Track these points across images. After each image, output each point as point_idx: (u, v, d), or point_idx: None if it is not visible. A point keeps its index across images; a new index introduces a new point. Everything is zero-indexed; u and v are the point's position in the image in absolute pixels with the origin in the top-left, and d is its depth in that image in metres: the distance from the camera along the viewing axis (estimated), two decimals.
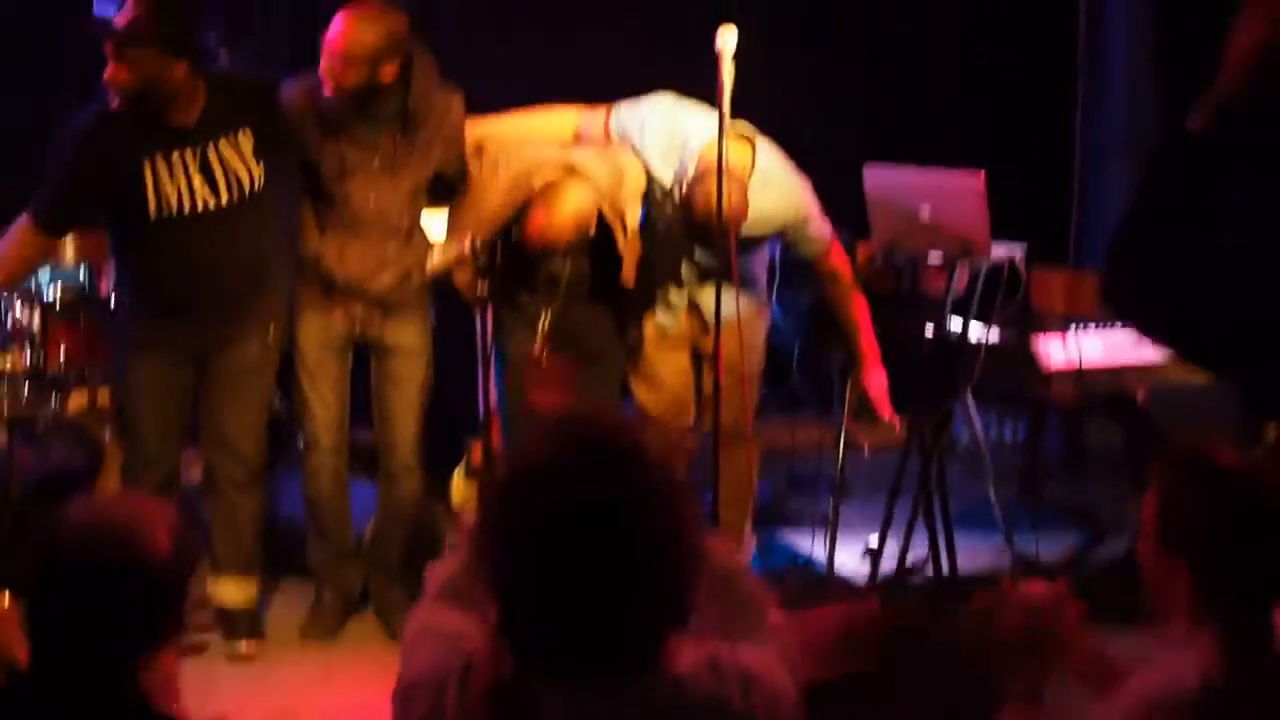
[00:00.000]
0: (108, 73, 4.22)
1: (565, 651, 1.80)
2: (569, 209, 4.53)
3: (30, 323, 5.32)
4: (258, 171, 4.48)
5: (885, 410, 4.92)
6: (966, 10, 7.32)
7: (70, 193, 4.42)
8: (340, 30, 4.33)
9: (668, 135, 4.66)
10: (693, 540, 1.84)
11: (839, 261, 4.86)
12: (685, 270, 4.85)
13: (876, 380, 4.93)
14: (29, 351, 5.32)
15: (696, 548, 1.85)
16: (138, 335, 4.64)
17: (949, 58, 7.33)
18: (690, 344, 4.98)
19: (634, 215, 4.70)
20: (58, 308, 5.33)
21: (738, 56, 4.14)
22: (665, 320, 4.93)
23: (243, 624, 4.78)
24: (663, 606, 1.82)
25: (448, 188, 4.80)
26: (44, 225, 4.46)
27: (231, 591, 4.78)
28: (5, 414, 5.14)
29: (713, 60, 4.13)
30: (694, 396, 5.00)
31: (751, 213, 4.53)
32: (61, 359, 5.31)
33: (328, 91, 4.40)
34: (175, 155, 4.36)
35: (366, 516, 5.05)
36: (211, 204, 4.42)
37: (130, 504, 2.35)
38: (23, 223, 4.44)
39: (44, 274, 5.89)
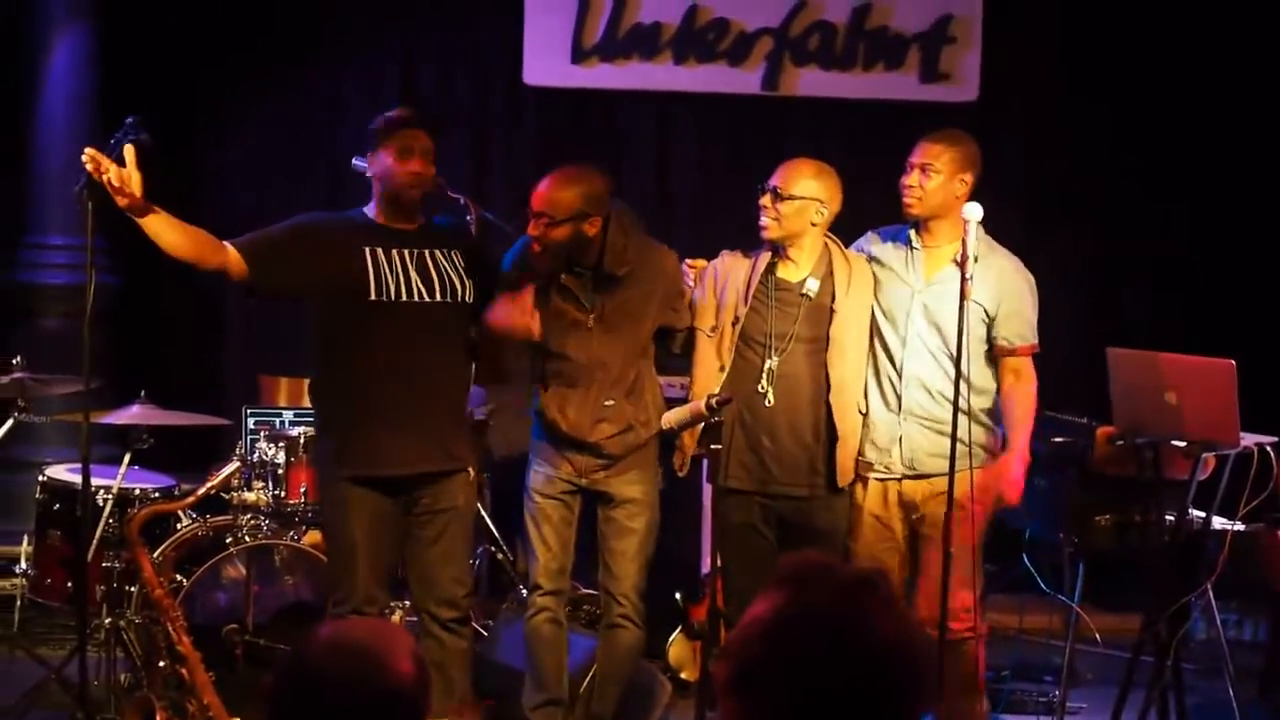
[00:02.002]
0: (415, 164, 4.59)
1: None
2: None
3: (274, 459, 5.54)
4: (469, 284, 4.71)
5: (977, 492, 4.52)
6: (1222, 194, 7.23)
7: (277, 237, 4.67)
8: (542, 193, 4.65)
9: None
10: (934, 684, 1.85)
11: (1028, 366, 4.76)
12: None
13: (1004, 468, 4.68)
14: (271, 486, 5.53)
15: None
16: (345, 462, 4.67)
17: (1201, 244, 7.24)
18: (904, 508, 4.82)
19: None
20: (301, 446, 5.53)
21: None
22: (874, 458, 4.84)
23: None
24: None
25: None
26: (238, 241, 4.61)
27: None
28: (247, 545, 5.31)
29: None
30: (902, 576, 4.81)
31: (980, 268, 4.55)
32: (301, 495, 5.51)
33: (536, 249, 4.65)
34: (395, 251, 4.64)
35: (582, 668, 5.05)
36: (425, 296, 4.63)
37: (375, 627, 2.36)
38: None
39: (288, 414, 6.16)
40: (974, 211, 4.43)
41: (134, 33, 7.10)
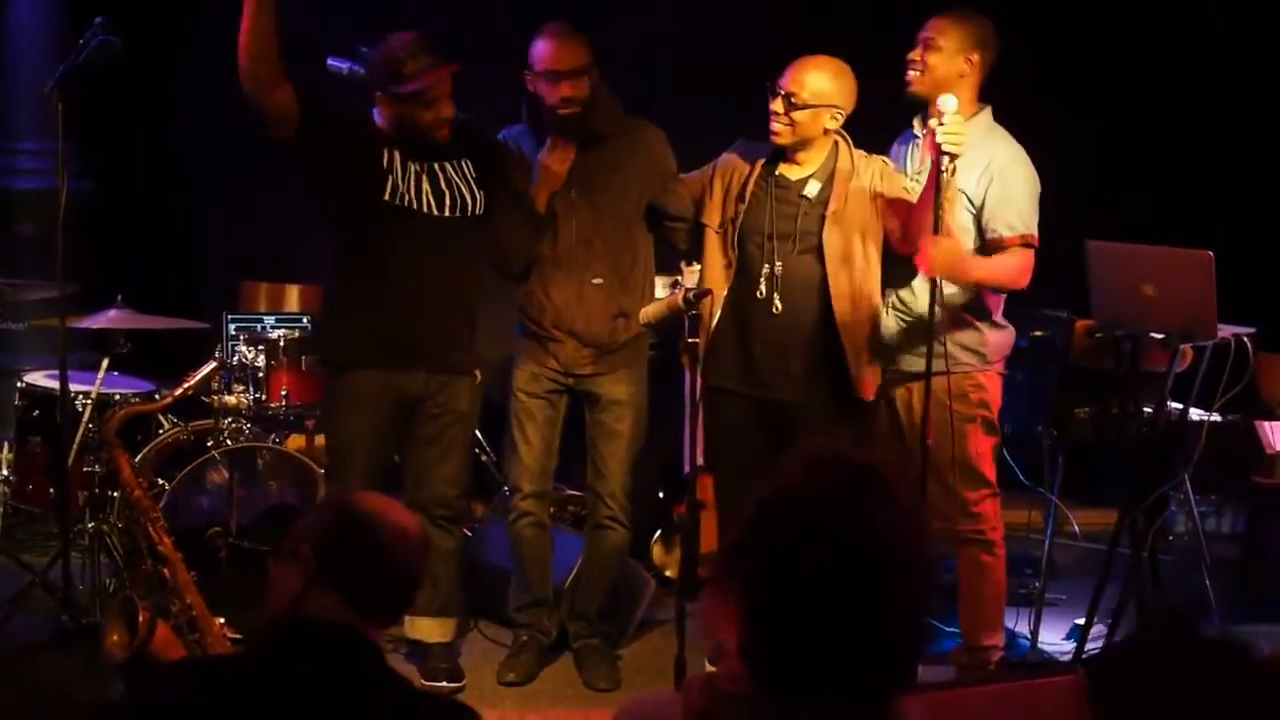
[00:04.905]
0: (443, 110, 4.46)
1: (806, 680, 1.78)
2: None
3: (255, 362, 5.53)
4: (480, 196, 4.62)
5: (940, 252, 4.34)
6: (1203, 90, 7.18)
7: (326, 103, 4.50)
8: (558, 50, 4.58)
9: None
10: (933, 585, 1.83)
11: (1021, 252, 4.49)
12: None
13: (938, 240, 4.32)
14: (252, 390, 5.52)
15: (932, 595, 1.83)
16: (353, 371, 4.63)
17: (1184, 137, 7.18)
18: (888, 403, 4.74)
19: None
20: (281, 349, 5.52)
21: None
22: None
23: (441, 659, 4.84)
24: (903, 646, 1.80)
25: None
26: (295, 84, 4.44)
27: (428, 629, 4.85)
28: (229, 448, 5.32)
29: None
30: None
31: (971, 148, 4.36)
32: (283, 398, 5.50)
33: (564, 111, 4.60)
34: (410, 162, 4.53)
35: (569, 567, 5.09)
36: (435, 212, 4.55)
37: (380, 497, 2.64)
38: None
39: (269, 320, 6.15)
40: (949, 103, 4.24)
41: None
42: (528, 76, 4.68)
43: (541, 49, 4.61)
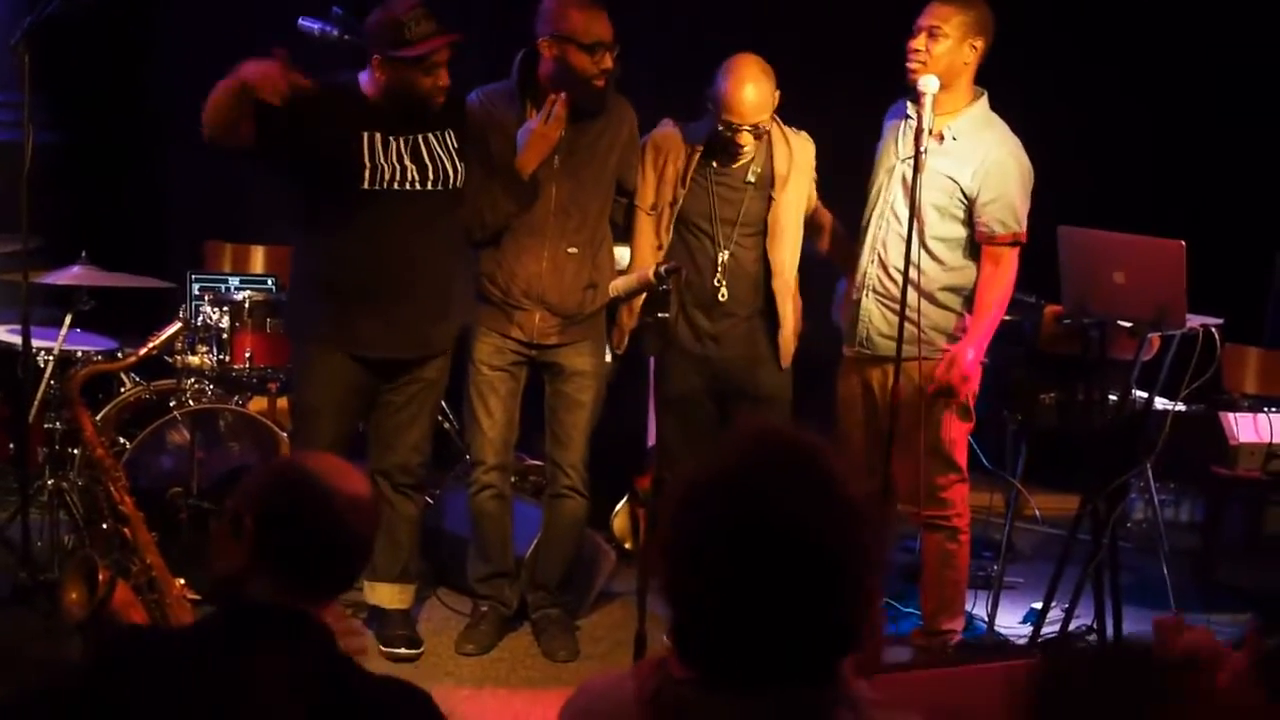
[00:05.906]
0: (442, 79, 4.42)
1: (739, 664, 1.78)
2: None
3: (219, 323, 5.48)
4: (461, 168, 4.57)
5: (941, 377, 4.53)
6: (1177, 80, 7.18)
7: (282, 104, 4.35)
8: (600, 20, 4.56)
9: None
10: (878, 565, 1.81)
11: (1008, 255, 4.57)
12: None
13: (949, 357, 4.54)
14: (216, 351, 5.48)
15: (879, 573, 1.82)
16: (320, 337, 4.61)
17: (1158, 128, 7.19)
18: (864, 387, 4.79)
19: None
20: (246, 311, 5.47)
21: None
22: (846, 332, 4.80)
23: (399, 626, 4.83)
24: (841, 627, 1.79)
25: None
26: None
27: (387, 595, 4.84)
28: (191, 409, 5.28)
29: None
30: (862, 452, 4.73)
31: (967, 138, 4.52)
32: (246, 360, 5.46)
33: (601, 83, 4.59)
34: (392, 139, 4.46)
35: (530, 538, 5.08)
36: (418, 184, 4.50)
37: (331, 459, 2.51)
38: None
39: (233, 280, 6.09)
40: (930, 84, 4.32)
41: None
42: (548, 43, 4.59)
43: (581, 19, 4.55)
